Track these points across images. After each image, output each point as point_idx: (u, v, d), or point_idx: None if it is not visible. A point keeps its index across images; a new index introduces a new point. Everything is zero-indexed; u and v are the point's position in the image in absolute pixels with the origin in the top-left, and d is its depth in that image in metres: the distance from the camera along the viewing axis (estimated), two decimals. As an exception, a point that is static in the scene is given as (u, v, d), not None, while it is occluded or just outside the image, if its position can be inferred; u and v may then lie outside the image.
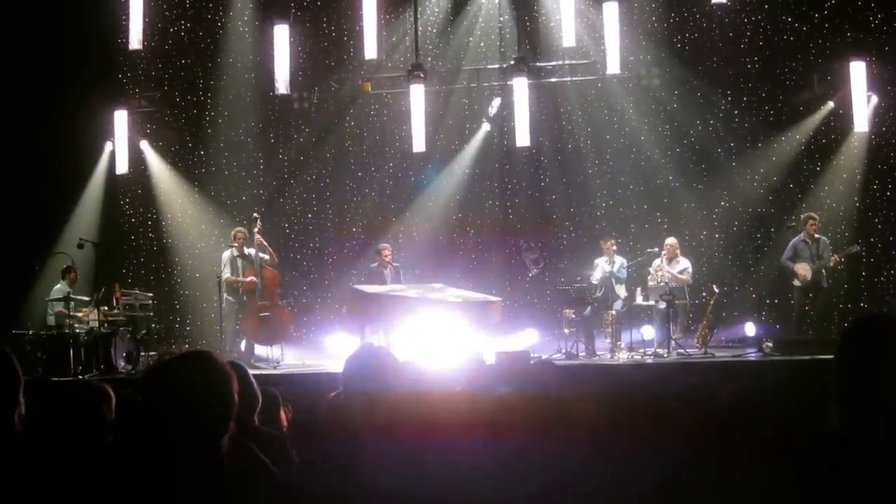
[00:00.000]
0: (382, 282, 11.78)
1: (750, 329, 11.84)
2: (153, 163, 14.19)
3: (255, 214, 11.89)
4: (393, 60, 13.87)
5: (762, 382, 8.72)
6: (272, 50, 12.29)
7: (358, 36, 12.79)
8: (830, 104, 12.90)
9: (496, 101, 13.68)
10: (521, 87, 12.17)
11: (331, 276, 14.30)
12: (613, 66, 11.94)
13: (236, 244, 11.60)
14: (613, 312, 11.52)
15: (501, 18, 13.87)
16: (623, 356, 11.12)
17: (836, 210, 12.86)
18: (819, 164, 13.11)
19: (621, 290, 11.77)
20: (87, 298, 11.68)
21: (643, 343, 11.32)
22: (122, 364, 10.81)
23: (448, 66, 14.04)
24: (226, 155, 14.33)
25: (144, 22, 12.34)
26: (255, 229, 11.63)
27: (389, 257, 12.06)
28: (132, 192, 14.36)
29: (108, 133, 13.52)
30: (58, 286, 11.70)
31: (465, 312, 10.83)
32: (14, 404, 3.00)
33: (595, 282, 11.83)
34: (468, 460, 2.78)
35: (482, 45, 13.99)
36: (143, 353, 11.07)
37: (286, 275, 12.71)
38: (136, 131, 13.71)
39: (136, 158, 13.82)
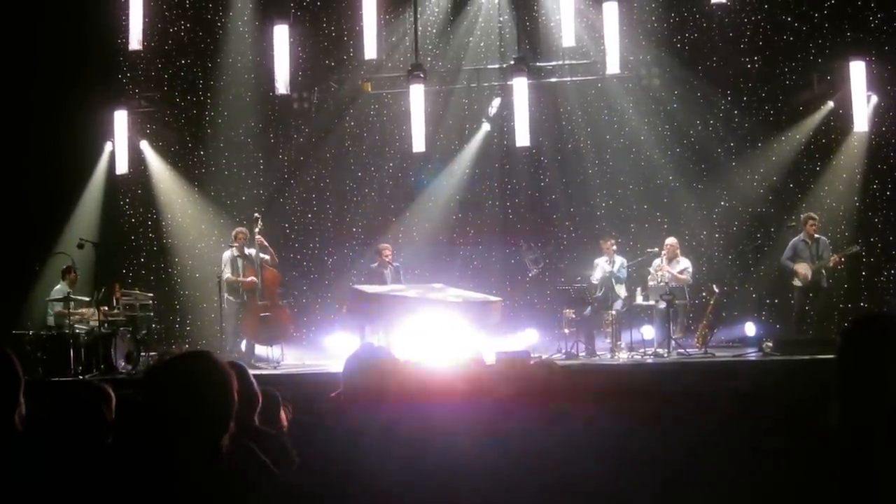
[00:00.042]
0: (382, 282, 11.78)
1: (750, 329, 11.84)
2: (153, 163, 14.19)
3: (255, 215, 11.89)
4: (393, 60, 13.87)
5: (762, 382, 8.72)
6: (272, 50, 12.29)
7: (358, 36, 12.79)
8: (830, 104, 12.89)
9: (496, 101, 13.67)
10: (521, 87, 12.17)
11: (331, 276, 14.30)
12: (613, 66, 11.94)
13: (236, 244, 11.60)
14: (613, 312, 11.52)
15: (501, 18, 13.87)
16: (623, 356, 11.13)
17: (836, 210, 12.85)
18: (819, 164, 13.11)
19: (621, 290, 11.77)
20: (87, 298, 11.68)
21: (643, 343, 11.32)
22: (123, 364, 10.80)
23: (448, 66, 14.03)
24: (226, 155, 14.33)
25: (144, 22, 12.34)
26: (256, 229, 11.63)
27: (390, 257, 12.06)
28: (132, 192, 14.35)
29: (108, 133, 13.51)
30: (58, 286, 11.70)
31: (465, 312, 10.84)
32: (14, 404, 3.00)
33: (595, 282, 11.84)
34: (468, 460, 2.78)
35: (482, 45, 13.99)
36: (143, 354, 11.07)
37: (286, 275, 12.71)
38: (136, 131, 13.70)
39: (136, 158, 13.82)
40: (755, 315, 12.17)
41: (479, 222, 14.29)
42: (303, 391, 6.32)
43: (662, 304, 11.05)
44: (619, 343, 11.39)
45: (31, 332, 11.19)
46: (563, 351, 11.31)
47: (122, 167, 13.29)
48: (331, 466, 2.84)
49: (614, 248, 11.94)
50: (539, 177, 14.18)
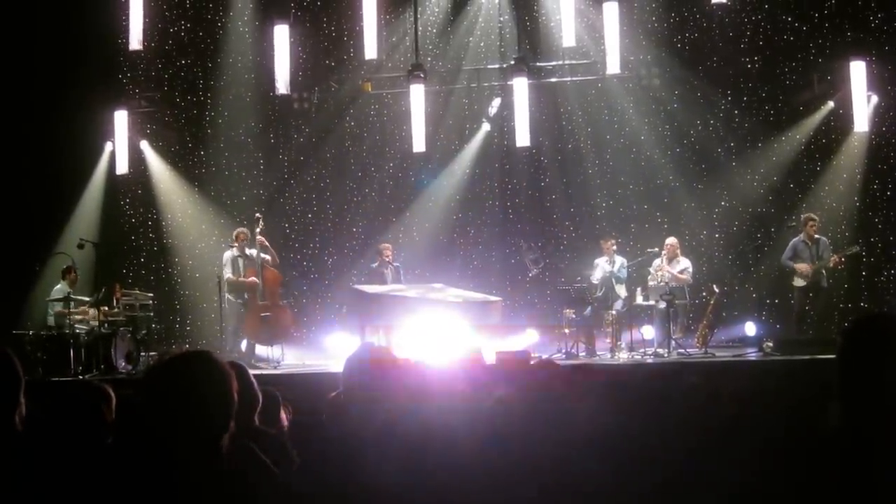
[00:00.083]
0: (383, 282, 11.78)
1: (750, 329, 11.84)
2: (153, 163, 14.19)
3: (257, 215, 11.89)
4: (393, 60, 13.87)
5: (762, 382, 8.72)
6: (272, 50, 12.29)
7: (358, 36, 12.79)
8: (830, 104, 12.90)
9: (496, 101, 13.68)
10: (521, 87, 12.17)
11: (331, 276, 14.30)
12: (613, 66, 11.94)
13: (237, 244, 11.60)
14: (614, 312, 11.52)
15: (501, 18, 13.87)
16: (623, 356, 11.13)
17: (836, 210, 12.85)
18: (819, 164, 13.11)
19: (621, 290, 11.78)
20: (87, 299, 11.68)
21: (643, 343, 11.32)
22: (123, 364, 10.80)
23: (448, 66, 14.04)
24: (226, 155, 14.33)
25: (144, 22, 12.34)
26: (257, 230, 11.64)
27: (390, 257, 12.06)
28: (132, 192, 14.36)
29: (108, 133, 13.51)
30: (58, 286, 11.69)
31: (465, 312, 10.84)
32: (15, 405, 3.00)
33: (595, 281, 11.84)
34: (468, 460, 2.78)
35: (482, 45, 13.99)
36: (143, 354, 11.07)
37: (286, 275, 12.71)
38: (136, 131, 13.70)
39: (137, 158, 13.82)
40: (755, 315, 12.17)
41: (479, 222, 14.29)
42: (303, 391, 6.32)
43: (662, 304, 11.05)
44: (619, 343, 11.39)
45: (31, 332, 11.19)
46: (563, 351, 11.30)
47: (122, 167, 13.29)
48: (331, 466, 2.84)
49: (614, 247, 11.95)
50: (539, 177, 14.18)
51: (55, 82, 13.12)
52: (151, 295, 12.46)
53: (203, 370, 2.54)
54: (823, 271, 11.29)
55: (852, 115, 11.96)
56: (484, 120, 14.01)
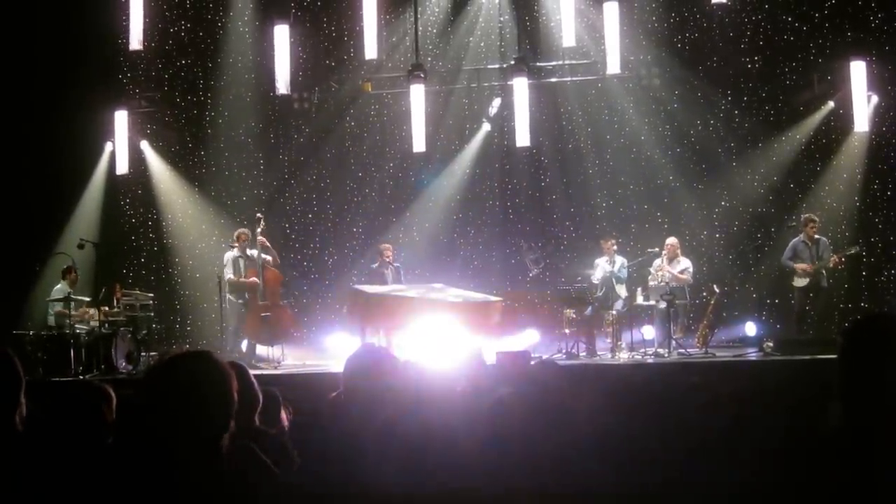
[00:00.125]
0: (383, 282, 11.78)
1: (750, 329, 11.85)
2: (153, 163, 14.19)
3: (258, 215, 11.89)
4: (393, 60, 13.87)
5: (763, 382, 8.72)
6: (272, 50, 12.29)
7: (358, 36, 12.79)
8: (830, 104, 12.90)
9: (496, 101, 13.68)
10: (521, 87, 12.17)
11: (331, 277, 14.31)
12: (613, 66, 11.94)
13: (238, 245, 11.60)
14: (614, 312, 11.52)
15: (501, 18, 13.88)
16: (624, 356, 11.13)
17: (836, 210, 12.86)
18: (819, 164, 13.11)
19: (622, 290, 11.77)
20: (87, 299, 11.69)
21: (644, 343, 11.32)
22: (123, 364, 10.81)
23: (448, 66, 14.04)
24: (226, 155, 14.33)
25: (145, 22, 12.34)
26: (258, 230, 11.64)
27: (391, 257, 12.06)
28: (132, 192, 14.36)
29: (108, 133, 13.51)
30: (58, 286, 11.70)
31: (465, 312, 10.84)
32: (15, 405, 3.00)
33: (596, 281, 11.84)
34: (468, 460, 2.78)
35: (482, 45, 14.00)
36: (143, 354, 11.08)
37: (287, 275, 12.71)
38: (136, 131, 13.71)
39: (137, 159, 13.82)
40: (756, 315, 12.18)
41: (479, 222, 14.30)
42: (303, 391, 6.33)
43: (663, 304, 11.06)
44: (619, 343, 11.39)
45: (31, 333, 11.20)
46: (564, 351, 11.31)
47: (122, 167, 13.29)
48: (331, 467, 2.84)
49: (615, 247, 11.94)
50: (539, 177, 14.19)
51: (55, 82, 13.12)
52: (152, 295, 12.47)
53: (203, 370, 2.54)
54: (823, 271, 11.29)
55: (852, 115, 11.97)
56: (484, 120, 14.02)
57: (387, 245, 12.33)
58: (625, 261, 11.96)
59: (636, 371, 10.09)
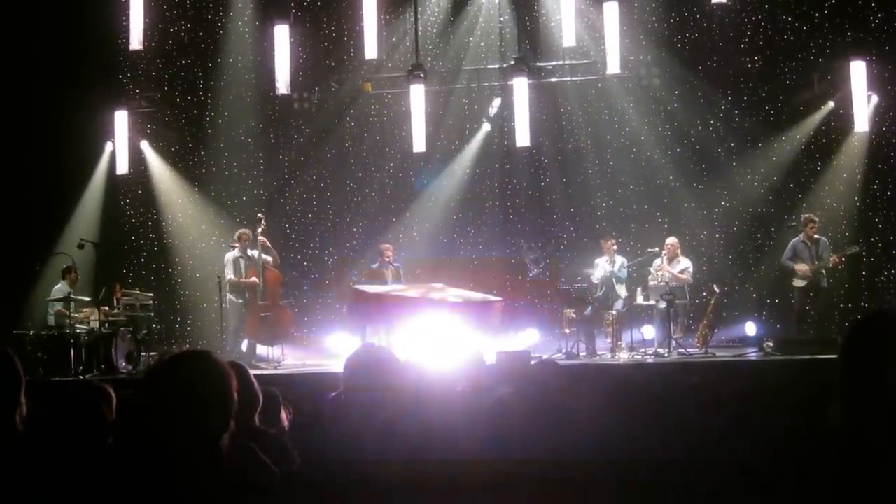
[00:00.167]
0: (383, 282, 11.77)
1: (750, 329, 11.85)
2: (153, 163, 14.19)
3: (259, 215, 11.90)
4: (393, 60, 13.87)
5: (762, 382, 8.72)
6: (272, 50, 12.28)
7: (358, 36, 12.79)
8: (831, 104, 12.90)
9: (496, 101, 13.68)
10: (521, 87, 12.17)
11: (331, 276, 14.31)
12: (613, 66, 11.94)
13: (239, 245, 11.60)
14: (614, 312, 11.52)
15: (501, 18, 13.88)
16: (624, 356, 11.13)
17: (836, 210, 12.86)
18: (819, 164, 13.11)
19: (622, 290, 11.77)
20: (87, 299, 11.69)
21: (644, 343, 11.32)
22: (123, 364, 10.81)
23: (448, 66, 14.04)
24: (226, 155, 14.33)
25: (145, 22, 12.33)
26: (259, 230, 11.64)
27: (391, 258, 12.06)
28: (132, 192, 14.36)
29: (108, 133, 13.51)
30: (58, 286, 11.70)
31: (465, 312, 10.83)
32: (15, 405, 3.00)
33: (596, 281, 11.83)
34: (469, 461, 2.78)
35: (482, 45, 14.00)
36: (143, 354, 11.08)
37: (287, 275, 12.71)
38: (136, 131, 13.70)
39: (137, 159, 13.82)
40: (756, 315, 12.18)
41: (479, 222, 14.29)
42: (303, 391, 6.32)
43: (663, 304, 11.05)
44: (619, 343, 11.39)
45: (31, 332, 11.20)
46: (564, 351, 11.31)
47: (122, 167, 13.29)
48: (331, 466, 2.84)
49: (615, 247, 11.93)
50: (539, 177, 14.19)
51: (55, 82, 13.11)
52: (152, 295, 12.48)
53: (203, 370, 2.54)
54: (823, 271, 11.29)
55: (852, 114, 11.96)
56: (484, 120, 14.02)
57: (387, 245, 12.32)
58: (625, 261, 11.96)
59: (636, 371, 10.09)
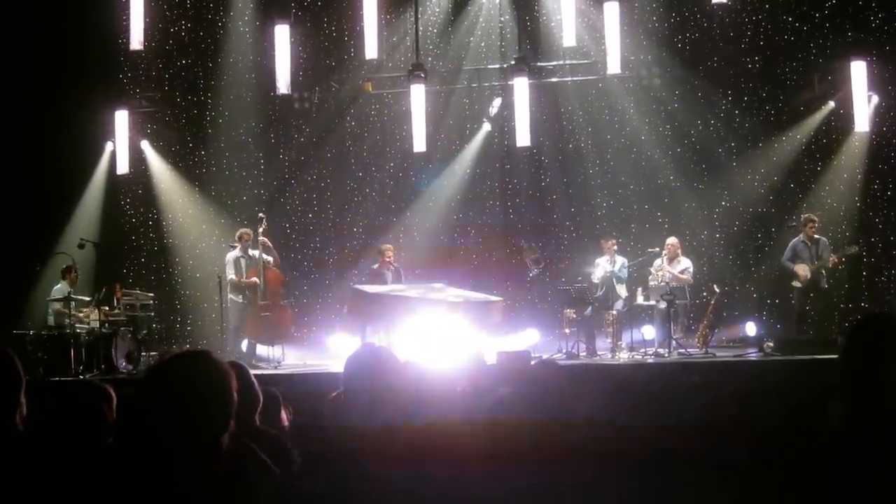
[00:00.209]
0: (383, 282, 11.77)
1: (751, 329, 11.84)
2: (154, 163, 14.19)
3: (260, 215, 11.90)
4: (393, 60, 13.87)
5: (763, 382, 8.72)
6: (273, 50, 12.29)
7: (358, 36, 12.79)
8: (831, 104, 12.90)
9: (497, 101, 13.67)
10: (521, 86, 12.17)
11: (332, 277, 14.31)
12: (614, 65, 11.94)
13: (240, 245, 11.60)
14: (614, 312, 11.52)
15: (502, 18, 13.87)
16: (624, 356, 11.12)
17: (836, 210, 12.86)
18: (819, 164, 13.11)
19: (622, 290, 11.77)
20: (87, 298, 11.69)
21: (644, 343, 11.32)
22: (123, 364, 10.82)
23: (448, 66, 14.04)
24: (226, 155, 14.33)
25: (145, 22, 12.34)
26: (260, 229, 11.64)
27: (391, 258, 12.05)
28: (133, 192, 14.36)
29: (108, 133, 13.51)
30: (58, 286, 11.70)
31: (465, 312, 10.83)
32: (16, 404, 3.00)
33: (596, 281, 11.83)
34: (469, 461, 2.78)
35: (483, 45, 13.99)
36: (143, 353, 11.09)
37: (287, 275, 12.71)
38: (136, 131, 13.71)
39: (137, 158, 13.82)
40: (756, 315, 12.17)
41: (479, 222, 14.29)
42: (303, 391, 6.32)
43: (663, 304, 11.05)
44: (619, 343, 11.39)
45: (31, 332, 11.20)
46: (564, 351, 11.31)
47: (122, 167, 13.30)
48: (331, 466, 2.84)
49: (615, 247, 11.93)
50: (540, 177, 14.19)
51: (55, 82, 13.12)
52: (152, 295, 12.48)
53: (203, 370, 2.54)
54: (823, 271, 11.29)
55: (853, 114, 11.96)
56: (484, 120, 14.01)
57: (388, 246, 12.31)
58: (625, 261, 11.96)
59: (636, 371, 10.10)
